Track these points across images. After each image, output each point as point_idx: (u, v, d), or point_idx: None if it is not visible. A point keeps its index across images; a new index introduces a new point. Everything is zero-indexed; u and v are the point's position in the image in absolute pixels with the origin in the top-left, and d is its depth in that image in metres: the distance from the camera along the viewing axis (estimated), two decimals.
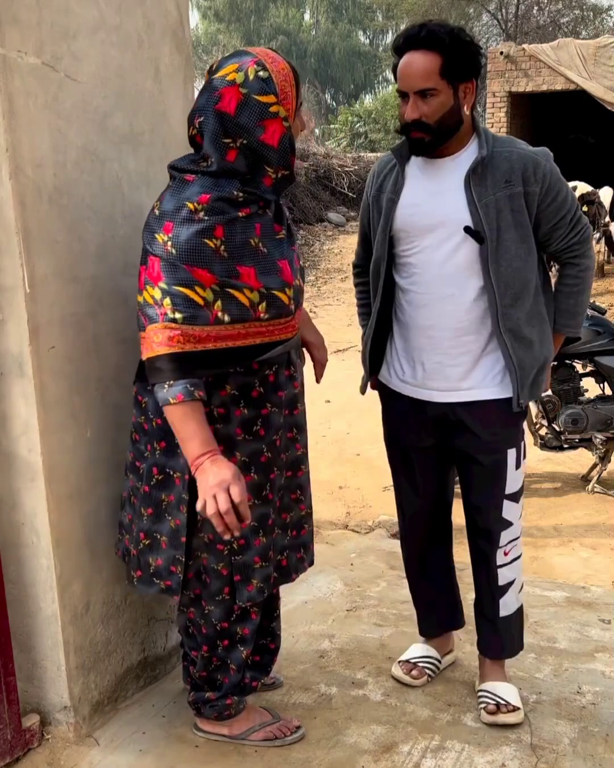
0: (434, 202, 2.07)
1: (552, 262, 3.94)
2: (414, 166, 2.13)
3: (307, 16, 38.72)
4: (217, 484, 1.69)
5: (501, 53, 14.25)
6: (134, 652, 2.29)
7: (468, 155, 2.06)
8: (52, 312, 1.92)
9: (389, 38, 35.09)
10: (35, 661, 2.08)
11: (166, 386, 1.73)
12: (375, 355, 2.28)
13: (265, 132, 1.74)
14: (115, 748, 2.10)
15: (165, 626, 2.40)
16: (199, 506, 1.72)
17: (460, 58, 1.95)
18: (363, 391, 2.38)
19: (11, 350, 1.89)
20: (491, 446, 2.16)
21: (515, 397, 2.10)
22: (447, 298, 2.09)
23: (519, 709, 2.20)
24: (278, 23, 36.22)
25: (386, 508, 4.02)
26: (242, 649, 2.04)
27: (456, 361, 2.12)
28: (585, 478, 4.50)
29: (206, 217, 1.72)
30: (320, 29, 36.95)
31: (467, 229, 2.03)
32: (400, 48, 1.98)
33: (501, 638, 2.30)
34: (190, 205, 1.72)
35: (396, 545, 3.17)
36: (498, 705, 2.19)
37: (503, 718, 2.18)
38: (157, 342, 1.72)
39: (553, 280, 2.22)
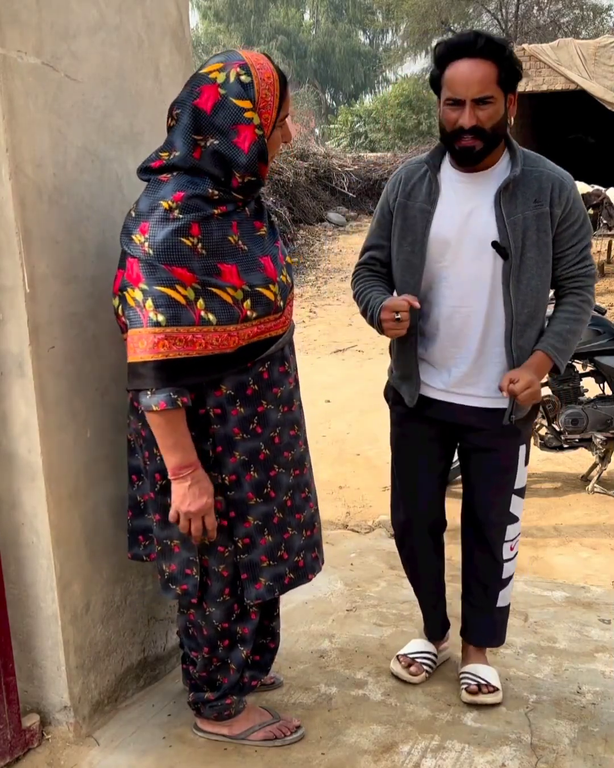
0: (465, 217, 2.08)
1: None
2: (445, 177, 2.12)
3: (306, 16, 38.70)
4: (197, 510, 1.80)
5: None
6: (134, 652, 2.29)
7: (499, 171, 2.08)
8: (52, 312, 1.92)
9: (389, 38, 35.12)
10: (35, 661, 2.08)
11: (149, 393, 1.73)
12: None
13: (238, 136, 1.73)
14: (115, 748, 2.11)
15: (165, 626, 2.40)
16: (171, 518, 1.83)
17: (512, 69, 1.97)
18: (414, 403, 2.24)
19: (11, 350, 1.89)
20: (509, 441, 2.22)
21: (509, 410, 2.15)
22: (476, 311, 2.12)
23: (498, 689, 2.30)
24: (278, 23, 36.21)
25: (386, 508, 3.99)
26: (242, 649, 2.04)
27: (482, 371, 2.16)
28: (585, 478, 4.50)
29: (181, 215, 1.71)
30: (320, 29, 36.92)
31: (494, 244, 2.05)
32: (448, 56, 1.96)
33: (495, 628, 2.38)
34: (165, 204, 1.72)
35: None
36: (479, 685, 2.29)
37: (482, 698, 2.28)
38: (141, 348, 1.71)
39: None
